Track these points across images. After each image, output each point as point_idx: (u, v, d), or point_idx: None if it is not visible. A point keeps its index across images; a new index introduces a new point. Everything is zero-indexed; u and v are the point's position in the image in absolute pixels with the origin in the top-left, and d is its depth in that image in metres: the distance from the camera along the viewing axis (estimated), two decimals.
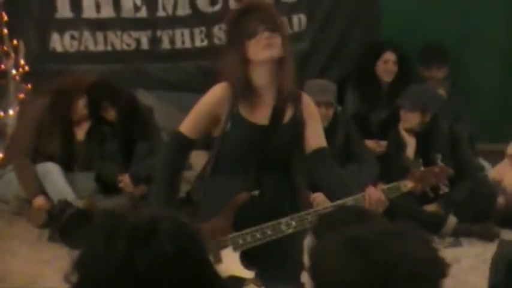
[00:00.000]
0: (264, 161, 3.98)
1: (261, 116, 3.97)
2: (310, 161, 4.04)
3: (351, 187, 3.99)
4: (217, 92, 4.01)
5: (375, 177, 6.33)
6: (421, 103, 6.30)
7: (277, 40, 3.85)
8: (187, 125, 4.03)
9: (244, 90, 3.92)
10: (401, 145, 6.35)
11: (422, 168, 4.13)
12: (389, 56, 6.88)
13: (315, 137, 4.04)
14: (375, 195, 3.84)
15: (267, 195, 3.90)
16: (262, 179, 3.98)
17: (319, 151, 4.03)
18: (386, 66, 6.90)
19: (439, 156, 4.25)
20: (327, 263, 2.00)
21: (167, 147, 4.30)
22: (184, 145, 4.08)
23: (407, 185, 4.03)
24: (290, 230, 3.78)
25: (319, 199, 5.45)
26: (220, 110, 3.98)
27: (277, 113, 3.98)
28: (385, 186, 3.95)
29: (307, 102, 4.08)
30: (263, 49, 3.83)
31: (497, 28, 7.43)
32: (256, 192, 3.87)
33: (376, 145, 6.67)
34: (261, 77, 3.91)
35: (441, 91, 6.99)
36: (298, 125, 4.00)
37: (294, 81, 3.99)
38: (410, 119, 6.29)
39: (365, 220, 2.19)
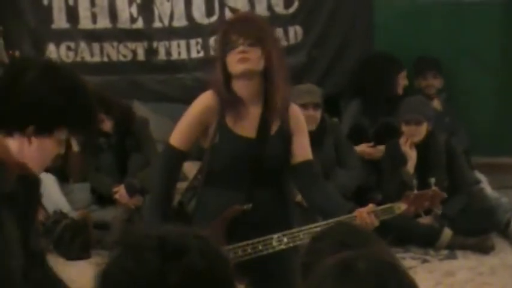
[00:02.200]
0: (254, 174, 3.98)
1: (248, 128, 3.97)
2: (296, 173, 4.04)
3: (340, 205, 4.00)
4: (204, 100, 4.02)
5: (359, 183, 6.40)
6: (425, 114, 6.34)
7: (253, 54, 3.83)
8: (177, 137, 4.03)
9: (229, 102, 3.93)
10: (401, 160, 6.35)
11: (415, 192, 4.12)
12: (405, 71, 6.97)
13: (301, 150, 4.02)
14: (366, 218, 3.80)
15: (259, 209, 3.89)
16: (253, 192, 3.98)
17: (304, 164, 4.02)
18: (404, 81, 6.97)
19: (432, 180, 4.24)
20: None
21: (160, 160, 4.31)
22: (175, 157, 4.08)
23: (401, 207, 4.02)
24: (281, 246, 3.78)
25: None
26: (208, 119, 3.98)
27: (264, 126, 3.99)
28: (377, 208, 3.92)
29: (295, 114, 4.07)
30: (237, 63, 3.82)
31: (491, 42, 7.46)
32: (248, 206, 3.88)
33: (373, 150, 6.68)
34: (243, 89, 3.90)
35: (436, 104, 7.03)
36: (285, 137, 4.00)
37: (283, 93, 3.97)
38: (419, 132, 6.31)
39: (358, 241, 2.18)
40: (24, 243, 2.77)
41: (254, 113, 3.96)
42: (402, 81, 6.97)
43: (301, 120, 4.10)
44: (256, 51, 3.84)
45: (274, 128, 3.98)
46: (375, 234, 2.27)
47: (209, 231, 3.84)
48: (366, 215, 3.81)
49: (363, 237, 2.20)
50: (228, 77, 3.89)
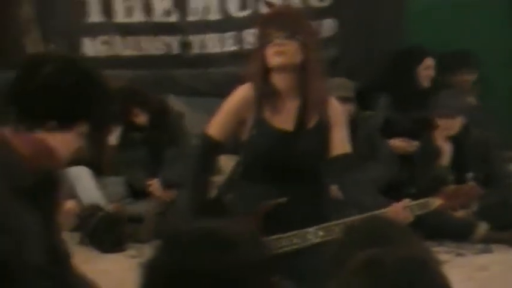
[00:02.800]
0: (290, 168, 3.98)
1: (286, 121, 3.97)
2: (333, 166, 4.02)
3: (376, 200, 4.00)
4: (241, 93, 4.04)
5: (390, 177, 6.38)
6: (460, 108, 6.32)
7: (289, 47, 3.84)
8: (214, 127, 4.05)
9: (266, 95, 3.94)
10: (435, 154, 6.34)
11: (452, 186, 4.08)
12: (430, 62, 6.90)
13: (339, 143, 4.00)
14: (400, 213, 3.78)
15: (295, 202, 3.88)
16: (289, 186, 3.97)
17: (341, 157, 4.00)
18: (427, 72, 6.90)
19: (469, 175, 4.21)
20: (348, 285, 2.01)
21: (196, 150, 4.33)
22: (212, 147, 4.10)
23: (436, 202, 3.97)
24: (317, 240, 3.77)
25: None
26: (245, 112, 4.00)
27: (301, 119, 3.98)
28: (412, 203, 3.89)
29: (334, 107, 4.05)
30: (273, 56, 3.84)
31: None
32: (283, 200, 3.88)
33: (406, 144, 6.67)
34: (280, 82, 3.91)
35: (471, 98, 7.00)
36: (322, 130, 3.98)
37: (321, 86, 3.98)
38: (453, 126, 6.30)
39: (392, 236, 2.17)
40: (45, 236, 2.79)
41: (291, 106, 3.96)
42: (425, 72, 6.90)
43: (340, 113, 4.08)
44: (293, 44, 3.84)
45: (313, 121, 3.97)
46: (409, 228, 2.26)
47: (248, 224, 3.90)
48: (400, 210, 3.79)
49: (397, 232, 2.19)
50: (266, 70, 3.90)
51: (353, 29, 6.95)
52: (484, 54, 7.20)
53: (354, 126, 6.29)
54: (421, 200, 3.98)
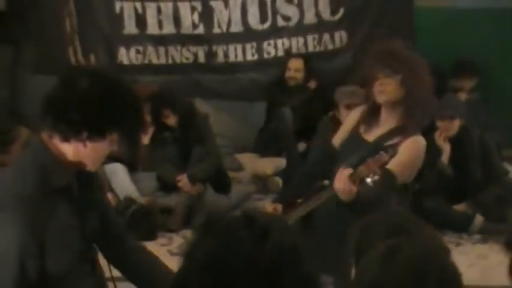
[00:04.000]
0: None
1: (372, 135, 3.97)
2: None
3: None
4: (355, 114, 4.11)
5: None
6: (458, 110, 6.32)
7: (389, 86, 3.84)
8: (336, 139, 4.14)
9: (369, 120, 3.98)
10: (437, 152, 6.32)
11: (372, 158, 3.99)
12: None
13: (392, 162, 3.82)
14: (346, 183, 3.69)
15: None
16: None
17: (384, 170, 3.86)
18: None
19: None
20: (369, 273, 1.99)
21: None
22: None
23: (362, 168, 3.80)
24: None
25: None
26: (350, 127, 4.07)
27: (383, 137, 3.95)
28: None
29: (413, 140, 3.94)
30: (377, 94, 3.85)
31: None
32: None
33: None
34: (383, 113, 3.94)
35: (472, 101, 6.98)
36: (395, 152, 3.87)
37: (417, 121, 3.96)
38: (452, 127, 6.27)
39: (409, 229, 2.16)
40: (81, 228, 2.81)
41: (384, 125, 3.97)
42: None
43: (410, 147, 3.95)
44: (393, 82, 3.83)
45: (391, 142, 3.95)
46: (423, 221, 2.23)
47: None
48: (345, 179, 3.68)
49: (413, 224, 2.17)
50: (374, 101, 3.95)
51: (363, 40, 6.92)
52: (489, 61, 7.19)
53: None
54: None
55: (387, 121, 3.93)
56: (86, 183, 2.83)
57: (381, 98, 3.86)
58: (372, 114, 3.97)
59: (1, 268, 2.68)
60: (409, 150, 3.89)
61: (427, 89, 3.96)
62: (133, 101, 2.79)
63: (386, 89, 3.84)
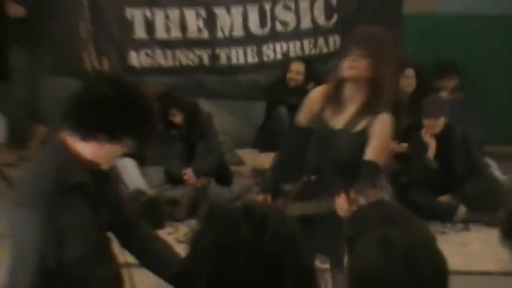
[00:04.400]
0: (332, 161, 3.93)
1: (339, 121, 3.93)
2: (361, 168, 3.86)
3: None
4: (315, 91, 4.02)
5: (389, 169, 6.37)
6: (442, 109, 6.33)
7: (361, 64, 3.77)
8: (301, 117, 4.05)
9: (333, 99, 3.90)
10: (423, 148, 6.34)
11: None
12: (410, 72, 6.88)
13: (369, 150, 3.82)
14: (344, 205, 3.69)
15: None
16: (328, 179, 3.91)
17: (366, 163, 3.81)
18: (408, 80, 6.89)
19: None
20: (362, 260, 2.01)
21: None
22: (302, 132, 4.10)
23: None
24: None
25: None
26: (316, 107, 3.96)
27: (351, 122, 3.90)
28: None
29: (381, 120, 3.87)
30: (345, 69, 3.78)
31: (503, 48, 7.39)
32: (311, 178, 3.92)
33: (397, 146, 6.67)
34: (347, 90, 3.85)
35: (455, 100, 6.98)
36: (365, 136, 3.84)
37: (383, 101, 3.86)
38: (437, 125, 6.28)
39: (398, 218, 2.16)
40: (96, 220, 2.82)
41: (350, 110, 3.88)
42: (407, 80, 6.87)
43: (384, 127, 3.90)
44: (365, 62, 3.76)
45: (360, 126, 3.86)
46: (412, 211, 2.24)
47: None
48: (344, 202, 3.67)
49: (401, 214, 2.18)
50: (339, 78, 3.86)
51: None
52: (470, 63, 7.20)
53: None
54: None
55: (352, 100, 3.86)
56: (100, 179, 2.86)
57: (350, 72, 3.77)
58: (336, 92, 3.88)
59: (23, 258, 2.72)
60: (381, 132, 3.83)
61: (393, 72, 3.93)
62: (148, 110, 2.81)
63: (356, 65, 3.77)
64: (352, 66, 3.77)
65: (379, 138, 3.83)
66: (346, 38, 3.99)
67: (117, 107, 2.68)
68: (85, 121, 2.71)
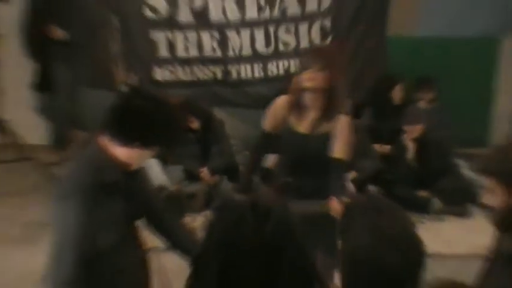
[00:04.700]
0: (303, 162, 3.93)
1: (303, 126, 3.93)
2: (331, 166, 3.89)
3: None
4: (279, 101, 4.02)
5: (375, 167, 6.38)
6: (421, 118, 6.35)
7: (319, 76, 3.77)
8: (266, 124, 4.04)
9: (295, 106, 3.90)
10: (404, 150, 6.36)
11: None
12: (399, 87, 6.93)
13: (335, 148, 3.88)
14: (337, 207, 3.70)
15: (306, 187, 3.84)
16: (305, 175, 3.90)
17: (335, 161, 3.86)
18: (398, 93, 6.93)
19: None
20: (354, 244, 2.01)
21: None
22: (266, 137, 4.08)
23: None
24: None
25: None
26: (280, 114, 3.96)
27: (314, 126, 3.92)
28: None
29: (341, 122, 3.91)
30: (305, 80, 3.80)
31: (472, 66, 7.41)
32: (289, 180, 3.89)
33: (381, 148, 6.70)
34: (307, 99, 3.87)
35: (431, 109, 6.99)
36: (329, 137, 3.89)
37: (339, 106, 3.88)
38: (416, 130, 6.31)
39: (383, 208, 2.17)
40: (127, 212, 2.83)
41: (312, 116, 3.90)
42: (397, 93, 6.92)
43: (345, 128, 3.93)
44: (322, 75, 3.78)
45: (323, 129, 3.89)
46: (393, 202, 2.24)
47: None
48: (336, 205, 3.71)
49: (386, 205, 2.18)
50: (300, 88, 3.87)
51: (347, 62, 6.92)
52: (444, 79, 7.22)
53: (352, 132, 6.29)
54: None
55: (312, 108, 3.87)
56: (132, 177, 2.87)
57: (309, 84, 3.78)
58: (298, 101, 3.89)
59: (63, 245, 2.73)
60: (342, 132, 3.87)
61: (343, 83, 3.93)
62: (175, 123, 2.86)
63: (315, 77, 3.78)
64: (311, 78, 3.78)
65: (342, 137, 3.87)
66: (306, 55, 3.95)
67: (151, 121, 2.72)
68: (124, 131, 2.73)
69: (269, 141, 4.08)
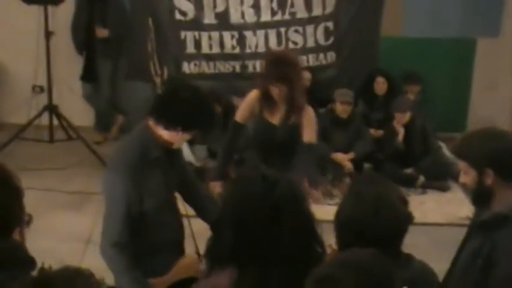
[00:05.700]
0: (275, 149, 3.99)
1: (276, 118, 3.98)
2: (301, 148, 4.01)
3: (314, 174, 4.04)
4: (250, 96, 4.12)
5: (371, 148, 6.41)
6: (409, 107, 6.35)
7: (283, 89, 3.88)
8: (238, 115, 4.12)
9: (266, 101, 4.00)
10: (394, 134, 6.36)
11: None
12: (380, 79, 6.89)
13: (305, 135, 3.96)
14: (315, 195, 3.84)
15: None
16: (274, 159, 3.97)
17: (306, 144, 3.96)
18: (378, 85, 6.92)
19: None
20: (343, 210, 2.04)
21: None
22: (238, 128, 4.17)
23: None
24: None
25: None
26: (253, 106, 4.03)
27: (285, 117, 3.99)
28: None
29: (307, 112, 4.01)
30: (273, 87, 3.95)
31: (453, 64, 7.39)
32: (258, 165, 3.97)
33: (375, 132, 6.71)
34: (274, 95, 3.97)
35: (416, 100, 6.99)
36: (298, 126, 3.95)
37: (301, 99, 3.96)
38: (405, 117, 6.30)
39: (374, 180, 2.17)
40: (167, 183, 2.89)
41: (282, 109, 3.99)
42: (378, 85, 6.87)
43: (311, 117, 4.00)
44: (285, 87, 3.91)
45: (292, 119, 3.97)
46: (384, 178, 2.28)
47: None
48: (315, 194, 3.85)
49: (374, 179, 2.21)
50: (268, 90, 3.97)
51: (346, 58, 6.93)
52: (427, 74, 7.20)
53: (352, 118, 6.34)
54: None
55: (280, 102, 3.96)
56: (172, 155, 2.94)
57: (277, 89, 3.89)
58: (267, 96, 3.98)
59: (112, 209, 2.82)
60: (309, 120, 3.97)
61: (302, 84, 4.10)
62: (211, 111, 2.93)
63: (282, 90, 3.91)
64: (278, 86, 3.93)
65: (309, 125, 3.94)
66: (270, 59, 4.02)
67: (192, 108, 2.77)
68: (169, 117, 2.79)
69: (240, 131, 4.12)
